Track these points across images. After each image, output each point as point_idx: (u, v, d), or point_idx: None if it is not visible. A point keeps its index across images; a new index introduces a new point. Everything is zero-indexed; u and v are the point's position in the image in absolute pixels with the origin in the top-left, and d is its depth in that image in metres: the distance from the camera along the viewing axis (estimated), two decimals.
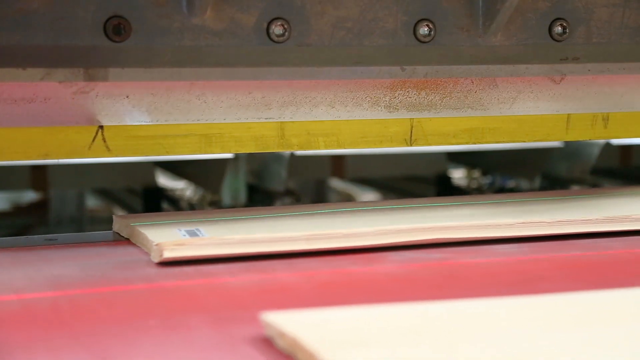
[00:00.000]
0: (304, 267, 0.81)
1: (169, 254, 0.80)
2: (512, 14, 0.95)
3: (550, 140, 1.04)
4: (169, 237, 0.83)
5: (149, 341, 0.60)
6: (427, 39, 0.93)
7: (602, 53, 1.02)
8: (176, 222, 0.90)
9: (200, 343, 0.60)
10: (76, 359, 0.56)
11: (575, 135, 1.05)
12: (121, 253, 0.86)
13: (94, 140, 0.89)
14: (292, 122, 0.94)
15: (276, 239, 0.83)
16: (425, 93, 0.99)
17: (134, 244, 0.88)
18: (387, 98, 0.98)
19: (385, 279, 0.78)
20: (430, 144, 0.99)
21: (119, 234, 0.93)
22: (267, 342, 0.60)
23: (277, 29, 0.89)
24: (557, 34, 0.97)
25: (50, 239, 0.92)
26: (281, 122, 0.94)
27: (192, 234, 0.86)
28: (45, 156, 0.87)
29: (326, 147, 0.94)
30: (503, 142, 1.02)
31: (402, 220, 0.91)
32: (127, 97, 0.90)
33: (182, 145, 0.91)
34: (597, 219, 0.91)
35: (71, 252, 0.87)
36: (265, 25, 0.89)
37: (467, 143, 1.01)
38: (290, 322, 0.59)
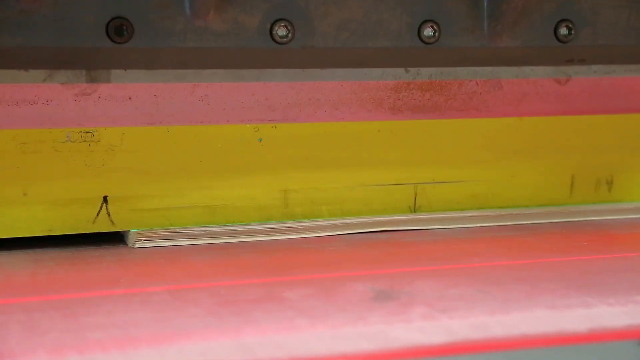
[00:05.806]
0: (265, 248, 0.89)
1: (141, 245, 0.88)
2: (517, 15, 0.94)
3: (554, 205, 1.04)
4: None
5: (112, 302, 0.68)
6: (431, 41, 0.93)
7: (607, 55, 1.02)
8: None
9: (156, 304, 0.67)
10: (46, 316, 0.64)
11: (580, 198, 1.05)
12: (101, 237, 0.92)
13: (98, 214, 0.89)
14: (296, 191, 0.95)
15: (240, 231, 0.92)
16: (430, 95, 0.99)
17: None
18: (392, 100, 0.98)
19: (334, 253, 0.88)
20: (434, 211, 1.00)
21: None
22: (216, 302, 0.66)
23: (280, 31, 0.89)
24: (562, 35, 0.97)
25: None
26: (285, 192, 0.94)
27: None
28: (50, 232, 0.89)
29: (330, 216, 0.96)
30: (507, 207, 1.02)
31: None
32: (130, 98, 0.90)
33: (186, 217, 0.92)
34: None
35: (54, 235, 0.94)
36: (268, 26, 0.88)
37: (471, 209, 1.01)
38: None
